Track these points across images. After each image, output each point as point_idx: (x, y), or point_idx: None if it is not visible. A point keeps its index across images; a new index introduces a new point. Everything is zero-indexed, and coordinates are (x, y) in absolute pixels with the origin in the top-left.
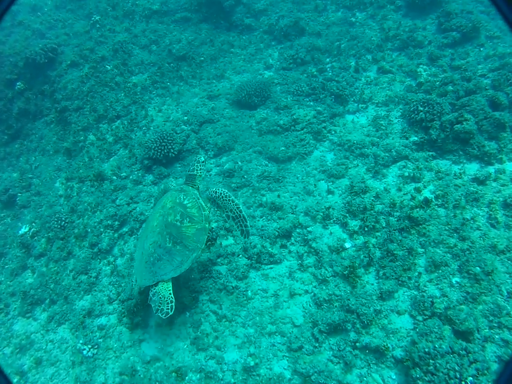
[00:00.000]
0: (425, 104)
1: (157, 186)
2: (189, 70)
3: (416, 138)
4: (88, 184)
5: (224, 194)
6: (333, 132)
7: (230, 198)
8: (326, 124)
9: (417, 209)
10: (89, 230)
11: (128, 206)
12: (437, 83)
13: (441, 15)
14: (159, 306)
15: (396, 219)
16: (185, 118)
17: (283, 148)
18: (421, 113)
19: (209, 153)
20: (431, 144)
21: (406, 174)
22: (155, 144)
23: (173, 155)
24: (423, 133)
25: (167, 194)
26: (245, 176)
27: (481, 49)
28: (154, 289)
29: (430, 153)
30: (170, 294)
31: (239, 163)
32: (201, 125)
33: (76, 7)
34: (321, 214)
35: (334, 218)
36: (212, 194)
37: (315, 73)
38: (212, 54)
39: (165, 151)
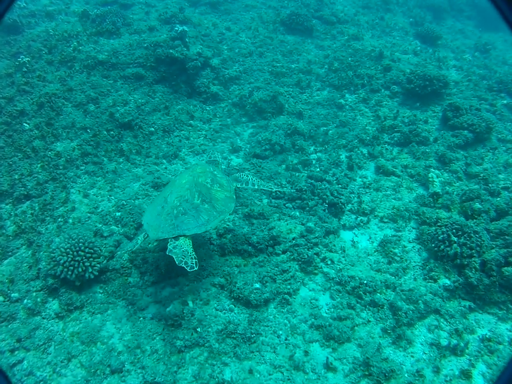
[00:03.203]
0: (459, 232)
1: (62, 322)
2: (133, 142)
3: (447, 281)
4: None
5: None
6: (329, 262)
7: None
8: (318, 249)
9: None
10: None
11: (12, 354)
12: (455, 195)
13: (449, 109)
14: (183, 259)
15: None
16: (118, 214)
17: (257, 286)
18: (455, 245)
19: (145, 278)
20: (466, 290)
21: (444, 342)
22: (66, 258)
23: (92, 276)
24: (456, 273)
25: (194, 164)
26: (198, 329)
27: (495, 153)
28: (175, 242)
29: (467, 303)
30: (192, 250)
31: (190, 304)
32: (139, 227)
33: (2, 42)
34: None
35: None
36: (242, 177)
37: (297, 165)
38: (166, 125)
39: (80, 269)
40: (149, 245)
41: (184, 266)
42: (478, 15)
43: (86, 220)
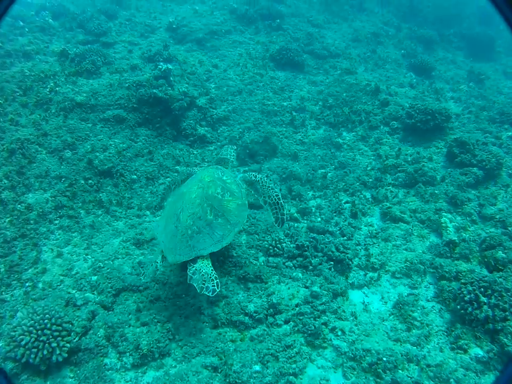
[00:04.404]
0: (488, 290)
1: None
2: (113, 192)
3: (480, 352)
4: None
5: (263, 180)
6: (339, 332)
7: (270, 186)
8: (327, 317)
9: None
10: None
11: None
12: (472, 241)
13: (454, 144)
14: (203, 284)
15: None
16: (94, 278)
17: (257, 368)
18: (485, 306)
19: (124, 360)
20: (502, 360)
21: None
22: (28, 338)
23: (60, 358)
24: (489, 340)
25: (202, 170)
26: None
27: (508, 191)
28: (194, 267)
29: None
30: (212, 270)
31: None
32: (118, 294)
33: None
34: None
35: None
36: (251, 178)
37: (295, 215)
38: (149, 172)
39: (45, 351)
40: (129, 316)
41: (206, 293)
42: (466, 45)
43: (58, 284)
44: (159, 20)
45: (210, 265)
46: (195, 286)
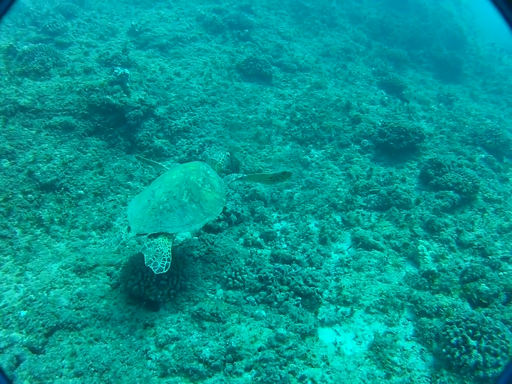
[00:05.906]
0: (476, 332)
1: None
2: (56, 208)
3: None
4: None
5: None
6: (309, 382)
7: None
8: (295, 364)
9: None
10: None
11: None
12: (451, 271)
13: (430, 166)
14: (154, 259)
15: None
16: (24, 313)
17: None
18: (474, 351)
19: None
20: None
21: None
22: None
23: None
24: None
25: (189, 162)
26: None
27: (485, 216)
28: (153, 239)
29: None
30: (169, 251)
31: None
32: (52, 333)
33: None
34: None
35: None
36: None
37: (258, 240)
38: (98, 187)
39: None
40: (62, 361)
41: (151, 268)
42: (435, 67)
43: None
44: (121, 22)
45: (170, 247)
46: (145, 256)
